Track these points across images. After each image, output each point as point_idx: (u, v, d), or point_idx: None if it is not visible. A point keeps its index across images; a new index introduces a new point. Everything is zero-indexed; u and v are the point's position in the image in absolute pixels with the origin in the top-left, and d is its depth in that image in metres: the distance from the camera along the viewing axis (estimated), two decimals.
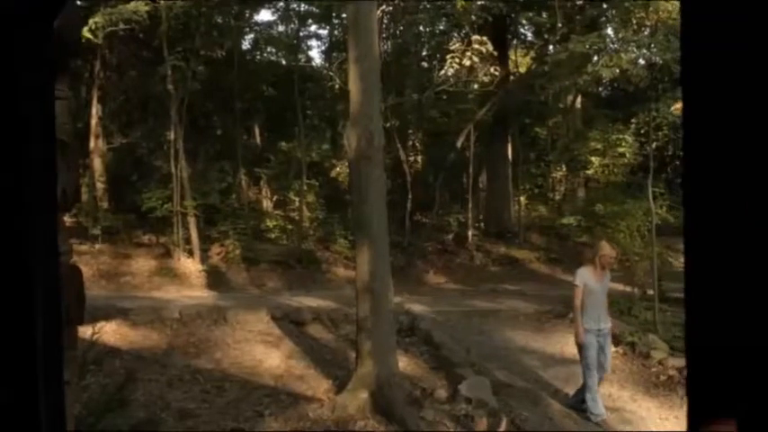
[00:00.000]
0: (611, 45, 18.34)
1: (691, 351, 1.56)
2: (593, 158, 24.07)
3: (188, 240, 19.06)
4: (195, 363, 11.39)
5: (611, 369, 10.46)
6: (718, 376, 1.48)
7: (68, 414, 1.79)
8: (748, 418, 1.44)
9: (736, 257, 1.46)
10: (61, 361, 1.68)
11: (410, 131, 26.88)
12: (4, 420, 1.59)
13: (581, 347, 9.84)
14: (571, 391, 10.67)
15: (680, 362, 11.42)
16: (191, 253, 18.92)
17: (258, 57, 26.80)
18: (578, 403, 10.05)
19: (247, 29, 25.19)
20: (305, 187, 21.68)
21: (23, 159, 1.66)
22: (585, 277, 9.89)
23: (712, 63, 1.53)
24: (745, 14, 1.49)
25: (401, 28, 23.73)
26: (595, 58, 19.57)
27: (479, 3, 20.24)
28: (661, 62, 16.40)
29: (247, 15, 24.27)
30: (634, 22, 17.31)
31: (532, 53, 26.68)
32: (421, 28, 23.51)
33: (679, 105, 15.82)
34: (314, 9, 24.36)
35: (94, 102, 21.48)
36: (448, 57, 19.36)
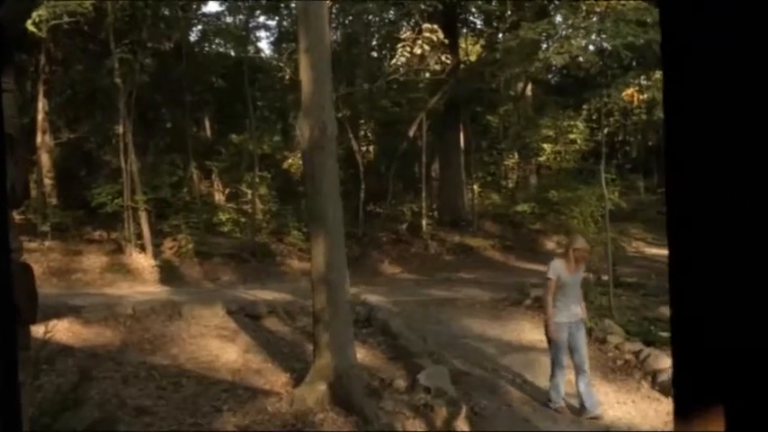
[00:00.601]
0: (562, 32, 18.43)
1: (676, 347, 1.52)
2: (544, 145, 24.24)
3: (139, 235, 18.88)
4: (151, 359, 11.24)
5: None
6: (704, 370, 1.45)
7: (24, 415, 1.71)
8: (736, 412, 1.41)
9: (722, 252, 1.43)
10: (16, 362, 1.60)
11: (362, 121, 26.83)
12: None
13: (551, 339, 9.79)
14: (530, 377, 10.74)
15: (636, 346, 11.55)
16: (143, 248, 18.74)
17: (207, 48, 26.53)
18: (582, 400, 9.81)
19: (195, 20, 24.90)
20: (257, 179, 21.55)
21: None
22: (558, 270, 9.75)
23: (694, 52, 1.49)
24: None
25: (350, 17, 23.67)
26: (545, 45, 19.67)
27: None
28: (611, 48, 16.52)
29: (195, 7, 24.04)
30: (583, 8, 17.37)
31: (482, 41, 26.79)
32: (371, 17, 23.45)
33: (630, 91, 15.93)
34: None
35: (40, 96, 21.12)
36: (398, 45, 19.34)
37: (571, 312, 9.79)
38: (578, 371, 9.75)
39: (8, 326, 1.59)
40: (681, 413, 1.51)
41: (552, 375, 9.79)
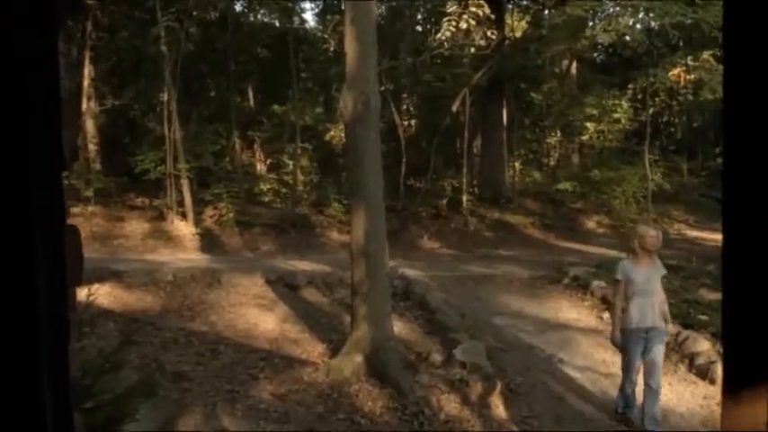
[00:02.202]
0: (609, 9, 18.22)
1: (727, 327, 1.51)
2: (588, 124, 24.06)
3: (181, 203, 18.99)
4: (189, 325, 11.36)
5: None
6: (754, 352, 1.44)
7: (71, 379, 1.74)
8: None
9: None
10: (67, 324, 1.63)
11: (404, 95, 26.75)
12: (6, 386, 1.54)
13: (620, 350, 8.81)
14: (565, 356, 10.71)
15: (674, 329, 11.44)
16: (184, 216, 18.87)
17: (252, 18, 26.55)
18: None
19: None
20: (299, 150, 21.58)
21: (26, 112, 1.59)
22: (627, 269, 8.62)
23: (757, 37, 1.46)
24: None
25: None
26: (591, 23, 19.46)
27: None
28: (658, 27, 16.31)
29: None
30: None
31: (528, 17, 26.57)
32: None
33: (676, 71, 15.74)
34: None
35: (86, 63, 21.28)
36: (444, 20, 19.21)
37: (646, 317, 8.55)
38: (648, 390, 8.53)
39: (60, 288, 1.62)
40: (729, 392, 1.50)
41: (622, 392, 8.86)
